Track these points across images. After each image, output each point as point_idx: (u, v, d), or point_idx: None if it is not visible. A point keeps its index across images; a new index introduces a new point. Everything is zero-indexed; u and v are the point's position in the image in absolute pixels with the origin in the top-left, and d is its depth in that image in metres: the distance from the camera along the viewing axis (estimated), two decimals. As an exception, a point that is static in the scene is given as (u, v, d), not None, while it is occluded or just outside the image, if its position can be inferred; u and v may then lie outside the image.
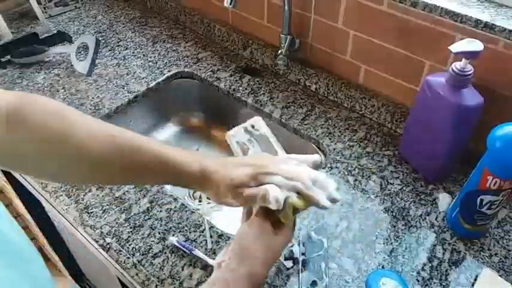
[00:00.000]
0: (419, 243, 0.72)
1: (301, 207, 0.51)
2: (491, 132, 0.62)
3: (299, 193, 0.51)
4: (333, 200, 0.52)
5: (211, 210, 0.93)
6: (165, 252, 0.70)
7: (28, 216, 1.36)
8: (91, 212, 0.76)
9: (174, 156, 0.55)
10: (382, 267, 0.68)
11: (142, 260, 0.69)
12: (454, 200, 0.73)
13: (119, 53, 1.14)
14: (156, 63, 1.11)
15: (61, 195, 0.79)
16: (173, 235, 0.72)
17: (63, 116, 0.53)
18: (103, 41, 1.18)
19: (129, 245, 0.71)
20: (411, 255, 0.70)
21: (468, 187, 0.69)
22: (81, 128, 0.53)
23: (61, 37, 1.18)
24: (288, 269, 0.68)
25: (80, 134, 0.52)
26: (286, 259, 0.68)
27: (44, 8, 1.26)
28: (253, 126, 0.66)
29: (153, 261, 0.69)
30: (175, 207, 0.77)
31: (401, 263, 0.69)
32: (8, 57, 1.10)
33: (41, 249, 1.65)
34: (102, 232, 0.73)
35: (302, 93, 1.02)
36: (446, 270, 0.68)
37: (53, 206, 0.82)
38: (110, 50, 1.15)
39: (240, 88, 1.04)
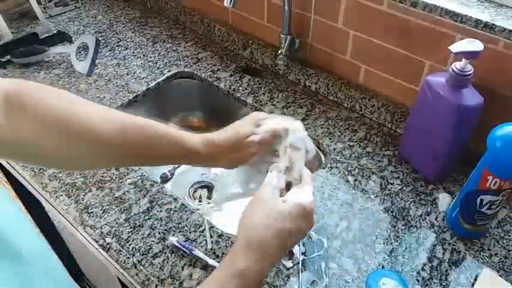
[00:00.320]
0: (419, 243, 0.72)
1: None
2: (491, 132, 0.62)
3: None
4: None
5: (211, 210, 0.93)
6: (165, 252, 0.70)
7: (28, 216, 1.36)
8: (91, 212, 0.76)
9: (178, 132, 0.59)
10: (382, 267, 0.68)
11: (142, 260, 0.69)
12: (454, 200, 0.73)
13: (119, 53, 1.14)
14: (156, 63, 1.11)
15: (61, 195, 0.79)
16: (173, 235, 0.72)
17: (67, 101, 0.52)
18: (103, 41, 1.18)
19: (129, 245, 0.71)
20: (411, 255, 0.70)
21: (468, 187, 0.69)
22: (89, 110, 0.52)
23: (61, 37, 1.18)
24: (288, 269, 0.68)
25: (88, 115, 0.51)
26: (286, 259, 0.68)
27: (44, 8, 1.26)
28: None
29: (153, 261, 0.69)
30: (175, 207, 0.77)
31: (401, 263, 0.69)
32: (8, 57, 1.10)
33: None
34: (102, 232, 0.73)
35: (302, 93, 1.02)
36: (446, 270, 0.68)
37: (53, 206, 0.82)
38: (110, 50, 1.15)
39: (240, 88, 1.04)
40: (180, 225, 0.74)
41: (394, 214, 0.76)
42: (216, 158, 0.61)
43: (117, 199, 0.78)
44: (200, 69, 1.10)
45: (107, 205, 0.77)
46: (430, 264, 0.69)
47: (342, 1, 0.87)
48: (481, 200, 0.67)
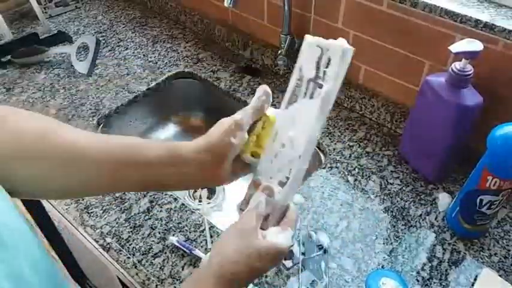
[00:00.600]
0: (419, 243, 0.72)
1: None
2: (491, 132, 0.62)
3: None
4: None
5: (211, 210, 0.93)
6: (165, 252, 0.70)
7: (28, 216, 1.36)
8: (91, 212, 0.76)
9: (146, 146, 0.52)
10: (382, 267, 0.68)
11: (142, 259, 0.69)
12: (454, 200, 0.73)
13: (119, 53, 1.15)
14: (156, 63, 1.11)
15: (61, 195, 0.79)
16: (173, 235, 0.72)
17: (54, 122, 0.50)
18: (103, 41, 1.18)
19: (129, 245, 0.71)
20: (411, 255, 0.70)
21: (468, 187, 0.69)
22: (70, 129, 0.50)
23: (61, 37, 1.18)
24: (288, 268, 0.68)
25: (65, 130, 0.49)
26: (286, 259, 0.68)
27: (44, 8, 1.26)
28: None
29: (153, 261, 0.69)
30: (175, 207, 0.77)
31: (401, 263, 0.69)
32: (8, 57, 1.10)
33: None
34: (102, 232, 0.73)
35: (302, 93, 1.02)
36: (446, 270, 0.68)
37: (53, 206, 0.82)
38: (110, 50, 1.15)
39: (240, 88, 1.04)
40: (180, 225, 0.74)
41: (394, 214, 0.76)
42: (190, 173, 0.53)
43: (117, 199, 0.78)
44: (200, 69, 1.10)
45: (107, 205, 0.77)
46: (430, 264, 0.69)
47: (341, 1, 0.87)
48: (481, 200, 0.67)
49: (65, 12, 1.30)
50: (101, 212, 0.76)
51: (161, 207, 0.77)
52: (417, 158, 0.83)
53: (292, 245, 0.50)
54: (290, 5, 0.92)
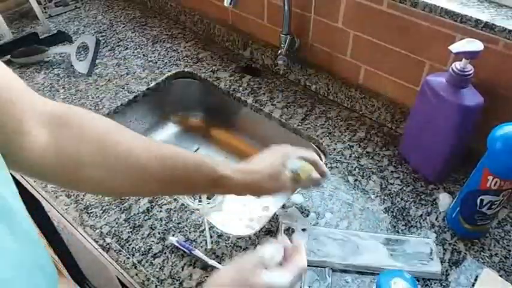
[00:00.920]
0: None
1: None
2: (492, 132, 0.62)
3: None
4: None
5: (211, 210, 0.93)
6: (165, 253, 0.70)
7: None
8: (91, 212, 0.76)
9: (208, 160, 0.60)
10: (382, 267, 0.68)
11: (142, 260, 0.69)
12: (455, 200, 0.73)
13: (119, 53, 1.14)
14: (156, 63, 1.11)
15: (61, 195, 0.79)
16: (173, 235, 0.72)
17: (113, 125, 0.53)
18: (103, 41, 1.18)
19: (129, 245, 0.71)
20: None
21: (468, 187, 0.69)
22: (131, 136, 0.53)
23: (61, 37, 1.18)
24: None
25: (130, 141, 0.52)
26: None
27: (44, 8, 1.26)
28: None
29: (153, 261, 0.69)
30: (175, 207, 0.77)
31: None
32: (8, 57, 1.10)
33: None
34: (102, 232, 0.73)
35: (302, 93, 1.02)
36: (446, 271, 0.68)
37: (53, 206, 0.82)
38: (110, 50, 1.15)
39: (240, 88, 1.04)
40: (180, 225, 0.74)
41: (394, 214, 0.76)
42: (253, 185, 0.63)
43: (117, 199, 0.78)
44: (200, 69, 1.10)
45: (107, 205, 0.77)
46: (430, 265, 0.69)
47: (342, 1, 0.87)
48: (481, 200, 0.67)
49: (65, 12, 1.30)
50: (101, 212, 0.76)
51: (161, 207, 0.77)
52: (417, 158, 0.83)
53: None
54: (290, 5, 0.92)
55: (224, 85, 1.05)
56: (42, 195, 0.84)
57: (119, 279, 0.84)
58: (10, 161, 0.39)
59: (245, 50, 1.12)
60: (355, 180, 0.82)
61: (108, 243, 0.72)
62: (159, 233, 0.73)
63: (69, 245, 1.32)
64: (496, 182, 0.63)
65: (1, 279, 0.30)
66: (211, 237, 0.72)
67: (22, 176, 0.87)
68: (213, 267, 0.68)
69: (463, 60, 0.69)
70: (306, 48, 1.00)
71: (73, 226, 0.78)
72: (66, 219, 0.79)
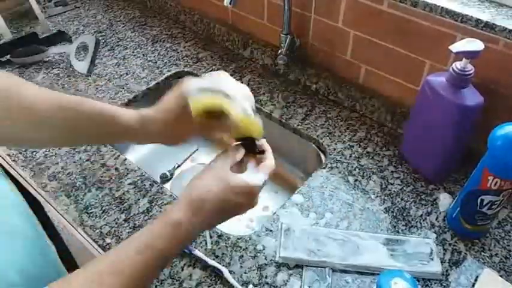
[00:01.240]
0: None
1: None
2: (492, 132, 0.62)
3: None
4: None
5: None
6: (165, 253, 0.70)
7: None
8: (90, 212, 0.76)
9: (112, 108, 0.59)
10: (383, 267, 0.68)
11: (142, 260, 0.69)
12: (455, 200, 0.73)
13: (119, 52, 1.14)
14: (156, 63, 1.11)
15: (60, 195, 0.79)
16: (173, 235, 0.72)
17: (8, 76, 0.55)
18: (103, 41, 1.18)
19: (129, 245, 0.71)
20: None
21: (469, 187, 0.68)
22: (28, 88, 0.55)
23: (60, 37, 1.18)
24: (290, 268, 0.68)
25: (27, 93, 0.54)
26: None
27: (44, 7, 1.26)
28: None
29: (152, 261, 0.69)
30: (175, 207, 0.77)
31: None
32: (8, 57, 1.10)
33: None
34: (101, 232, 0.73)
35: (302, 93, 1.02)
36: (446, 271, 0.68)
37: (53, 207, 0.81)
38: (109, 50, 1.15)
39: (240, 88, 1.03)
40: (180, 226, 0.74)
41: (394, 214, 0.76)
42: (152, 134, 0.61)
43: (117, 199, 0.78)
44: (200, 69, 1.09)
45: (107, 205, 0.77)
46: (430, 265, 0.69)
47: (342, 1, 0.87)
48: (482, 200, 0.67)
49: (64, 12, 1.30)
50: (100, 212, 0.76)
51: (161, 207, 0.77)
52: (418, 158, 0.83)
53: (262, 186, 0.54)
54: (290, 5, 0.92)
55: (224, 85, 1.04)
56: (42, 195, 0.83)
57: (118, 279, 0.84)
58: None
59: (245, 50, 1.12)
60: (355, 180, 0.82)
61: (108, 244, 0.72)
62: (159, 233, 0.73)
63: (69, 245, 1.32)
64: (496, 182, 0.63)
65: None
66: (211, 237, 0.72)
67: (22, 177, 0.87)
68: (213, 267, 0.67)
69: (464, 60, 0.68)
70: (306, 48, 1.00)
71: (73, 226, 0.78)
72: (66, 219, 0.79)
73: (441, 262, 0.68)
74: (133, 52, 1.14)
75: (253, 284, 0.66)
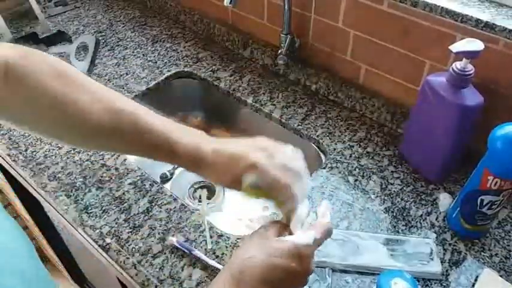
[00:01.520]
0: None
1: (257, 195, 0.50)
2: (492, 132, 0.62)
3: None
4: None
5: (211, 210, 0.93)
6: (165, 253, 0.70)
7: (28, 217, 1.36)
8: (90, 212, 0.76)
9: (170, 136, 0.53)
10: (383, 267, 0.68)
11: (142, 260, 0.69)
12: (455, 200, 0.73)
13: (119, 52, 1.14)
14: (156, 63, 1.11)
15: (60, 195, 0.79)
16: (173, 235, 0.72)
17: (66, 77, 0.50)
18: (103, 41, 1.18)
19: (129, 245, 0.71)
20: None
21: (469, 187, 0.68)
22: (84, 92, 0.51)
23: (60, 37, 1.18)
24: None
25: (83, 99, 0.50)
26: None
27: (44, 7, 1.26)
28: None
29: (152, 261, 0.69)
30: (175, 207, 0.77)
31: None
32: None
33: (40, 250, 1.65)
34: (101, 232, 0.73)
35: (302, 93, 1.02)
36: (446, 271, 0.68)
37: (53, 206, 0.81)
38: (109, 50, 1.15)
39: (240, 88, 1.04)
40: (180, 225, 0.74)
41: (394, 214, 0.76)
42: (202, 175, 0.54)
43: (117, 199, 0.78)
44: (200, 69, 1.09)
45: (107, 205, 0.77)
46: (430, 265, 0.68)
47: (342, 1, 0.87)
48: (482, 200, 0.67)
49: (64, 12, 1.30)
50: (101, 212, 0.76)
51: (161, 207, 0.77)
52: (418, 158, 0.83)
53: (315, 247, 0.47)
54: (290, 5, 0.92)
55: (224, 85, 1.05)
56: (42, 195, 0.83)
57: (118, 279, 0.84)
58: None
59: (245, 50, 1.12)
60: (355, 180, 0.82)
61: (108, 244, 0.72)
62: (159, 233, 0.73)
63: (69, 245, 1.32)
64: (496, 182, 0.63)
65: None
66: (211, 237, 0.72)
67: (22, 177, 0.87)
68: (213, 268, 0.67)
69: (464, 60, 0.68)
70: (306, 48, 1.00)
71: (73, 226, 0.78)
72: (66, 219, 0.79)
73: (441, 262, 0.68)
74: (133, 52, 1.14)
75: None
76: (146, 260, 0.69)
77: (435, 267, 0.67)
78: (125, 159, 0.86)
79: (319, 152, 0.91)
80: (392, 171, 0.83)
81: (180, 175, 1.03)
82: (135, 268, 0.68)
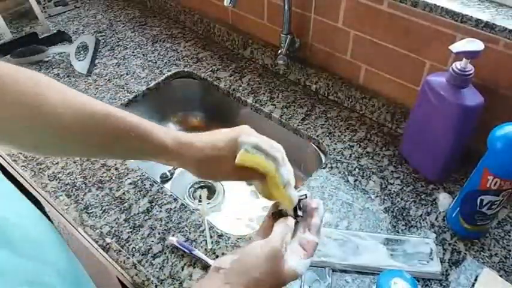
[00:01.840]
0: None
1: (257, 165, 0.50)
2: (492, 132, 0.62)
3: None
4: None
5: (211, 210, 0.93)
6: (165, 253, 0.70)
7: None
8: (91, 212, 0.76)
9: (147, 126, 0.53)
10: (383, 267, 0.68)
11: (142, 260, 0.69)
12: (454, 200, 0.73)
13: (119, 52, 1.14)
14: (156, 63, 1.11)
15: (61, 195, 0.79)
16: (173, 235, 0.72)
17: (36, 81, 0.50)
18: (103, 41, 1.18)
19: (129, 245, 0.71)
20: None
21: (468, 187, 0.68)
22: (55, 94, 0.50)
23: (60, 37, 1.18)
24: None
25: (54, 101, 0.49)
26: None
27: (44, 7, 1.26)
28: None
29: (153, 261, 0.69)
30: (175, 207, 0.77)
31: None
32: (8, 57, 1.10)
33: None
34: (102, 232, 0.73)
35: (302, 93, 1.02)
36: (446, 271, 0.68)
37: (53, 206, 0.81)
38: (109, 50, 1.15)
39: (240, 88, 1.04)
40: (180, 225, 0.74)
41: (394, 214, 0.76)
42: (187, 160, 0.55)
43: (117, 199, 0.78)
44: (200, 69, 1.09)
45: (107, 205, 0.77)
46: (430, 265, 0.69)
47: (342, 1, 0.87)
48: (481, 200, 0.67)
49: (64, 12, 1.30)
50: (101, 212, 0.76)
51: (161, 207, 0.77)
52: (418, 158, 0.83)
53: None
54: (290, 5, 0.92)
55: (224, 85, 1.05)
56: (42, 195, 0.84)
57: (118, 279, 0.84)
58: None
59: (245, 50, 1.12)
60: (355, 180, 0.82)
61: (108, 243, 0.72)
62: (159, 233, 0.73)
63: (69, 245, 1.32)
64: (496, 182, 0.63)
65: None
66: (211, 237, 0.72)
67: (22, 177, 0.87)
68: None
69: (464, 60, 0.69)
70: (306, 48, 1.00)
71: (73, 226, 0.78)
72: (66, 219, 0.79)
73: (441, 262, 0.68)
74: (133, 52, 1.14)
75: None
76: (146, 259, 0.69)
77: (435, 267, 0.67)
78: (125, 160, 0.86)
79: (319, 152, 0.91)
80: (392, 171, 0.83)
81: (180, 175, 1.03)
82: (135, 268, 0.68)
